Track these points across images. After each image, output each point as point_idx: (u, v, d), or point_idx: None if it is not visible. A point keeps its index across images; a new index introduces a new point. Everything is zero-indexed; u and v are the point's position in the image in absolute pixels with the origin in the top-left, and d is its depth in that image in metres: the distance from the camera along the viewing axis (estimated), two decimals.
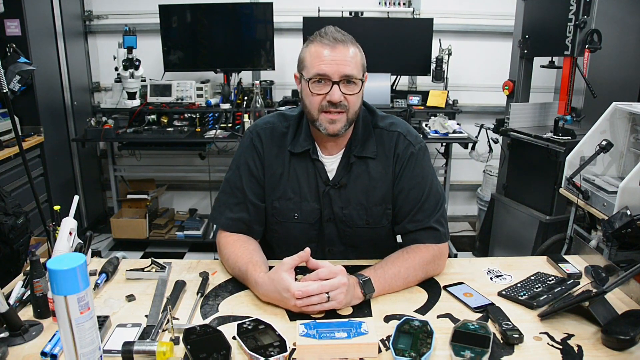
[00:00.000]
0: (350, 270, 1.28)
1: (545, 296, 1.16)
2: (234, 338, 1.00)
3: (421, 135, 1.41)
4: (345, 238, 1.38)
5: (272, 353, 0.94)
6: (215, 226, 3.47)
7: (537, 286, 1.21)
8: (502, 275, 1.30)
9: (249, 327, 1.02)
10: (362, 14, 3.41)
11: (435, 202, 1.32)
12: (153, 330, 1.02)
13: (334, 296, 1.07)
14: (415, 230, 1.31)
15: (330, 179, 1.34)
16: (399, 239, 1.43)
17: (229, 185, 1.37)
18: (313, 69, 1.22)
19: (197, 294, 1.19)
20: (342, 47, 1.21)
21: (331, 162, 1.35)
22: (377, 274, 1.17)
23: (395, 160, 1.33)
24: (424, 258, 1.25)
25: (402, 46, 3.33)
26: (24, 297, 1.15)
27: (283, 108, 3.25)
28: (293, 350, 0.97)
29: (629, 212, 1.65)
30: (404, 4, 3.54)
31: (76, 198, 1.19)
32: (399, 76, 3.53)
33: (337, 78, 1.21)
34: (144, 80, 3.43)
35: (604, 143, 1.99)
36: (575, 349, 0.98)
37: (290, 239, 1.39)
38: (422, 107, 3.47)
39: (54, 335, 1.00)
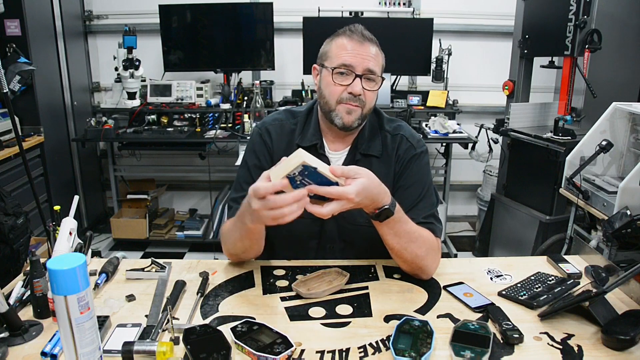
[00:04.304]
0: (350, 270, 1.29)
1: (545, 296, 1.15)
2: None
3: (423, 139, 1.43)
4: (345, 235, 1.39)
5: (280, 350, 0.94)
6: (215, 226, 3.48)
7: (537, 286, 1.21)
8: (502, 275, 1.30)
9: (244, 330, 1.01)
10: (362, 13, 3.41)
11: (430, 204, 1.35)
12: (153, 330, 1.02)
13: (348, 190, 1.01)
14: None
15: None
16: None
17: (238, 182, 1.39)
18: (339, 60, 1.25)
19: (197, 294, 1.19)
20: (368, 44, 1.26)
21: (337, 159, 1.36)
22: (399, 209, 1.16)
23: (395, 160, 1.35)
24: (430, 239, 1.26)
25: (402, 46, 3.33)
26: (24, 297, 1.15)
27: (282, 108, 3.25)
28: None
29: (629, 212, 1.65)
30: (404, 4, 3.54)
31: (76, 198, 1.19)
32: (399, 76, 3.53)
33: (360, 71, 1.25)
34: (144, 80, 3.43)
35: (604, 143, 1.99)
36: (575, 349, 0.98)
37: (293, 234, 1.39)
38: (422, 107, 3.47)
39: (54, 335, 1.00)
